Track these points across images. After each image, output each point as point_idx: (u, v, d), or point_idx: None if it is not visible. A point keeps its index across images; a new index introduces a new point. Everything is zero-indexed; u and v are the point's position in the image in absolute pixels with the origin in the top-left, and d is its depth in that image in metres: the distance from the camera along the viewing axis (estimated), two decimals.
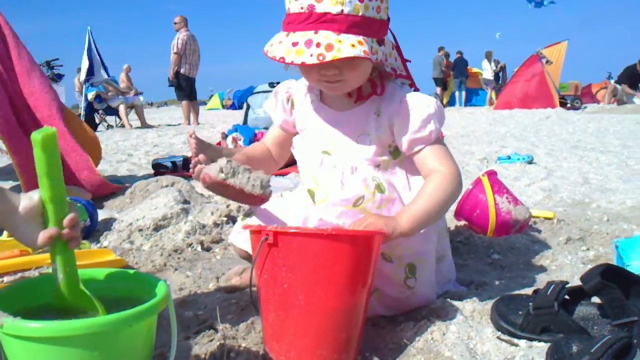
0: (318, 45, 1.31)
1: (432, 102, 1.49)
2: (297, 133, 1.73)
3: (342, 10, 1.32)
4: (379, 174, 1.54)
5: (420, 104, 1.48)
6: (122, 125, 12.03)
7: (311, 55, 1.31)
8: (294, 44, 1.34)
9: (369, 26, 1.36)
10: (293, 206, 1.62)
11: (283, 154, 1.81)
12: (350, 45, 1.30)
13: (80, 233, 1.13)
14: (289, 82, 1.72)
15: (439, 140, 1.52)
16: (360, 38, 1.33)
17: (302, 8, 1.36)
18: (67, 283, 1.10)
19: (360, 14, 1.33)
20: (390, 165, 1.56)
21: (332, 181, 1.51)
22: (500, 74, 20.15)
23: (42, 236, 1.07)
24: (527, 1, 18.15)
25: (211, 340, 1.42)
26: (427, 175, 1.50)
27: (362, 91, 1.53)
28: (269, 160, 1.80)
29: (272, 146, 1.80)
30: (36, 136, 1.03)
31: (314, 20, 1.33)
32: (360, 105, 1.55)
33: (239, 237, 1.76)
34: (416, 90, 1.60)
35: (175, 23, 11.06)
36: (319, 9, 1.33)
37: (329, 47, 1.30)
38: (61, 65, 12.00)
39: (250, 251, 1.53)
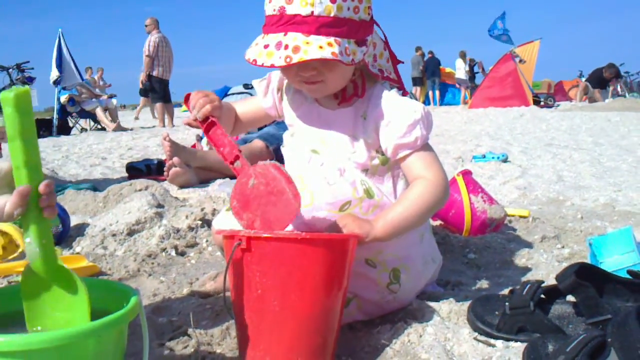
0: (286, 47, 1.30)
1: (419, 107, 1.46)
2: (272, 115, 1.71)
3: (312, 12, 1.30)
4: (367, 179, 1.50)
5: (406, 109, 1.45)
6: (99, 129, 11.91)
7: (280, 58, 1.30)
8: (266, 47, 1.34)
9: (343, 27, 1.34)
10: None
11: (248, 124, 1.77)
12: (318, 47, 1.29)
13: (55, 202, 1.05)
14: (281, 76, 1.67)
15: (426, 146, 1.48)
16: (332, 39, 1.31)
17: (274, 10, 1.35)
18: (43, 257, 1.04)
19: (332, 14, 1.31)
20: (379, 171, 1.52)
21: (318, 181, 1.45)
22: (478, 72, 20.30)
23: (14, 197, 0.98)
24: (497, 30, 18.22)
25: (186, 347, 1.40)
26: (412, 182, 1.47)
27: (346, 92, 1.51)
28: (236, 123, 1.74)
29: (242, 113, 1.75)
30: (7, 95, 0.97)
31: (284, 22, 1.32)
32: (348, 107, 1.53)
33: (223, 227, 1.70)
34: (405, 94, 1.58)
35: (146, 25, 10.96)
36: (290, 10, 1.32)
37: (296, 49, 1.29)
38: (32, 68, 11.83)
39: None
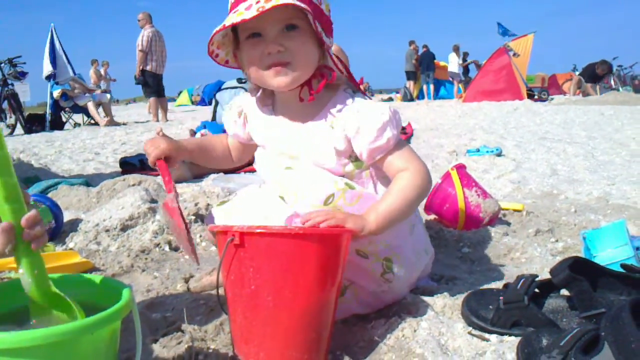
0: (258, 2, 1.30)
1: (385, 109, 1.48)
2: (251, 143, 1.73)
3: None
4: (346, 179, 1.51)
5: (374, 113, 1.46)
6: (92, 123, 11.86)
7: (251, 12, 1.29)
8: (234, 11, 1.35)
9: (311, 4, 1.36)
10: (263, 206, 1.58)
11: (241, 157, 1.82)
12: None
13: (44, 231, 1.06)
14: (242, 98, 1.71)
15: (400, 143, 1.50)
16: (303, 4, 1.32)
17: None
18: (37, 287, 1.05)
19: None
20: (356, 176, 1.54)
21: (299, 182, 1.46)
22: (470, 63, 20.32)
23: (0, 236, 0.98)
24: (498, 25, 18.43)
25: (179, 343, 1.39)
26: (394, 176, 1.48)
27: (312, 86, 1.49)
28: (226, 158, 1.83)
29: (232, 148, 1.82)
30: None
31: None
32: (314, 121, 1.53)
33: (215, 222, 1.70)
34: (366, 97, 1.58)
35: (139, 20, 10.92)
36: None
37: (283, 3, 1.29)
38: (24, 63, 11.73)
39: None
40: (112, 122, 11.48)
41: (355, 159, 1.52)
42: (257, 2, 1.31)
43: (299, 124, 1.56)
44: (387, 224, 1.40)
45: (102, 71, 16.24)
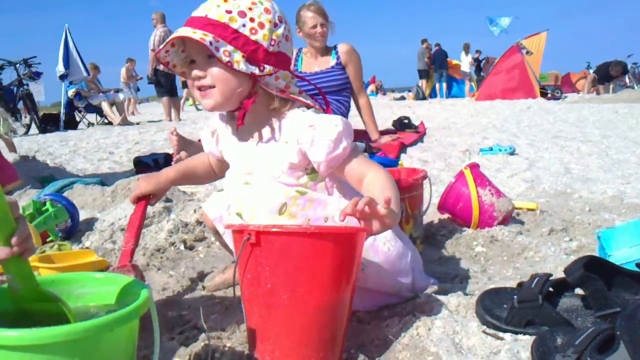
0: (176, 36, 1.46)
1: (337, 120, 1.51)
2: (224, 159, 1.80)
3: (206, 15, 1.45)
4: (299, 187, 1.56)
5: (327, 125, 1.50)
6: (106, 123, 11.95)
7: (172, 37, 1.47)
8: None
9: (230, 35, 1.44)
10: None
11: (224, 170, 1.84)
12: (192, 32, 1.43)
13: (31, 244, 1.05)
14: (215, 118, 1.77)
15: (355, 150, 1.54)
16: (210, 35, 1.42)
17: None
18: (26, 289, 1.06)
19: (222, 20, 1.44)
20: (310, 187, 1.57)
21: (253, 198, 1.53)
22: (482, 60, 20.25)
23: None
24: (488, 20, 18.64)
25: (195, 341, 1.41)
26: (360, 179, 1.51)
27: (244, 111, 1.55)
28: (209, 174, 1.91)
29: (213, 164, 1.89)
30: None
31: (186, 21, 1.49)
32: (268, 139, 1.59)
33: (211, 209, 1.72)
34: (324, 110, 1.63)
35: (152, 20, 10.98)
36: (194, 14, 1.49)
37: (178, 32, 1.45)
38: (39, 63, 11.84)
39: (221, 229, 1.66)
40: (125, 121, 11.54)
41: (311, 170, 1.57)
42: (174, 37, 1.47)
43: (253, 143, 1.62)
44: (396, 213, 1.38)
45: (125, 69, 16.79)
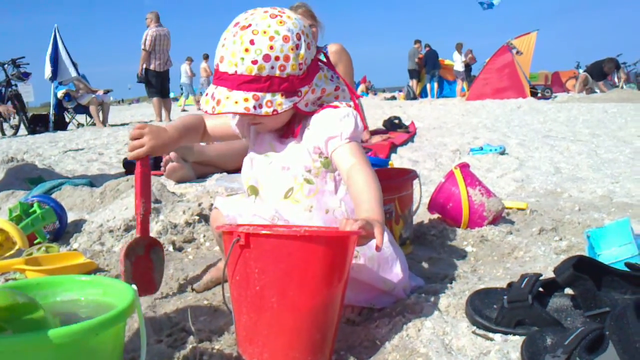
0: (214, 98, 1.52)
1: (347, 109, 1.62)
2: (233, 135, 1.87)
3: (236, 71, 1.49)
4: (309, 175, 1.61)
5: (336, 110, 1.61)
6: (94, 124, 11.90)
7: (210, 107, 1.53)
8: (206, 94, 1.56)
9: (265, 83, 1.49)
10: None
11: (215, 136, 1.92)
12: (234, 103, 1.49)
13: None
14: None
15: (354, 142, 1.59)
16: (250, 95, 1.48)
17: (215, 65, 1.56)
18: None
19: (253, 73, 1.48)
20: (321, 174, 1.62)
21: (267, 178, 1.64)
22: (474, 65, 20.32)
23: None
24: (479, 4, 18.86)
25: (184, 344, 1.40)
26: (345, 171, 1.55)
27: (291, 127, 1.66)
28: (202, 134, 1.90)
29: (211, 127, 1.89)
30: None
31: (217, 77, 1.54)
32: (295, 137, 1.66)
33: (226, 207, 1.71)
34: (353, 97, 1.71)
35: (146, 19, 10.95)
36: (221, 68, 1.52)
37: (219, 102, 1.50)
38: (28, 64, 11.78)
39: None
40: (104, 123, 11.58)
41: (325, 158, 1.62)
42: (214, 99, 1.52)
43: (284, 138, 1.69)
44: (383, 215, 1.43)
45: (187, 66, 19.37)
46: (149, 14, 10.95)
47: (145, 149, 1.71)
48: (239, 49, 1.47)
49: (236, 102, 1.48)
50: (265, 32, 1.48)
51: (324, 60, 1.68)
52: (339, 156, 1.57)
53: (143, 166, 1.72)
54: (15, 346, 0.86)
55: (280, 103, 1.51)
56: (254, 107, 1.48)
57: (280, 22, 1.50)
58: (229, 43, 1.50)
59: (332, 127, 1.57)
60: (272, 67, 1.48)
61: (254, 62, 1.47)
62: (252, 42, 1.47)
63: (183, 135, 1.81)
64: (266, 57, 1.47)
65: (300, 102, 1.56)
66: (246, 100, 1.48)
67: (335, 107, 1.62)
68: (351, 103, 1.66)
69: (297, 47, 1.51)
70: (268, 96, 1.49)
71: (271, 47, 1.47)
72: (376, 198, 1.45)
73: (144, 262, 1.75)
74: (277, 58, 1.48)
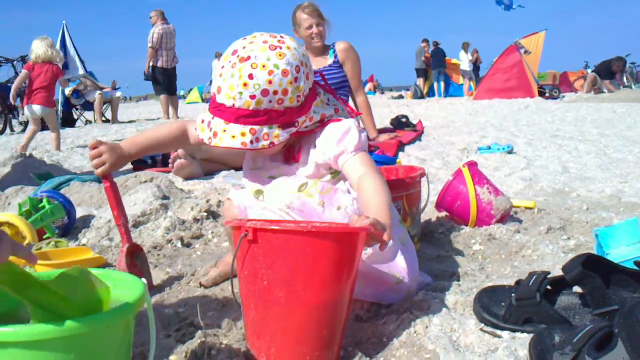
0: (211, 129, 1.53)
1: (350, 122, 1.62)
2: None
3: (234, 104, 1.48)
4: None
5: (339, 125, 1.61)
6: (104, 121, 11.93)
7: (207, 137, 1.53)
8: (202, 121, 1.57)
9: (262, 117, 1.50)
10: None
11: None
12: (231, 137, 1.50)
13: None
14: None
15: (361, 152, 1.60)
16: (247, 129, 1.49)
17: (212, 92, 1.56)
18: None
19: (251, 107, 1.48)
20: (332, 182, 1.64)
21: (275, 183, 1.63)
22: (481, 65, 20.26)
23: None
24: (497, 3, 18.75)
25: (192, 338, 1.40)
26: (355, 181, 1.56)
27: (291, 152, 1.68)
28: (180, 142, 1.89)
29: (192, 134, 1.86)
30: None
31: (214, 107, 1.54)
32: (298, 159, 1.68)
33: (238, 197, 1.75)
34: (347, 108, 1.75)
35: (150, 17, 10.95)
36: (218, 99, 1.51)
37: (215, 135, 1.51)
38: None
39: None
40: (114, 120, 11.59)
41: (334, 170, 1.64)
42: (210, 130, 1.53)
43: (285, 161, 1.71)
44: (391, 217, 1.44)
45: (217, 62, 17.64)
46: (153, 12, 10.93)
47: (108, 166, 1.75)
48: (237, 82, 1.46)
49: (233, 137, 1.49)
50: (264, 66, 1.46)
51: (322, 83, 1.70)
52: (348, 168, 1.58)
53: (109, 180, 1.81)
54: (26, 337, 0.87)
55: (277, 135, 1.52)
56: (251, 142, 1.49)
57: (280, 55, 1.48)
58: (227, 74, 1.48)
59: (337, 144, 1.58)
60: (270, 101, 1.48)
61: (252, 97, 1.46)
62: (250, 77, 1.46)
63: (143, 149, 1.85)
64: (264, 92, 1.47)
65: (299, 128, 1.57)
66: (243, 134, 1.49)
67: (338, 120, 1.63)
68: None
69: (296, 79, 1.51)
70: (265, 129, 1.50)
71: (270, 82, 1.46)
72: (385, 202, 1.45)
73: (132, 269, 1.81)
74: (275, 92, 1.48)
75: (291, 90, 1.50)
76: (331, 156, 1.59)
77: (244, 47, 1.50)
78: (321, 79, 1.73)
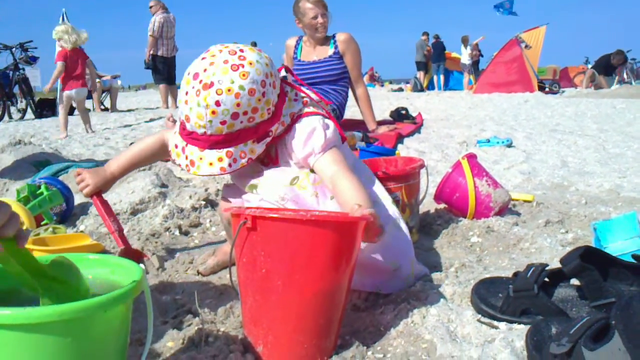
0: (187, 157, 1.53)
1: (315, 120, 1.60)
2: None
3: (205, 132, 1.48)
4: None
5: (301, 125, 1.59)
6: (104, 109, 11.90)
7: (184, 164, 1.54)
8: (176, 146, 1.57)
9: (236, 138, 1.50)
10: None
11: None
12: (208, 164, 1.50)
13: (14, 230, 1.00)
14: None
15: (332, 150, 1.60)
16: (223, 153, 1.50)
17: (182, 117, 1.53)
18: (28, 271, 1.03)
19: (224, 133, 1.48)
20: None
21: (266, 176, 1.62)
22: (481, 59, 20.23)
23: None
24: (496, 9, 18.79)
25: (189, 325, 1.40)
26: (328, 181, 1.55)
27: (270, 155, 1.68)
28: (162, 153, 1.89)
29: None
30: None
31: (186, 134, 1.53)
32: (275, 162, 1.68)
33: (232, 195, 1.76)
34: (323, 103, 1.72)
35: (150, 7, 10.90)
36: (188, 127, 1.50)
37: (192, 163, 1.52)
38: (35, 48, 11.75)
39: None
40: (113, 109, 11.56)
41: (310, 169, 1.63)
42: (187, 158, 1.53)
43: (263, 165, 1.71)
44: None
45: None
46: (153, 1, 10.87)
47: (92, 187, 1.88)
48: (205, 111, 1.44)
49: (211, 164, 1.50)
50: (229, 90, 1.43)
51: (287, 79, 1.67)
52: (319, 168, 1.58)
53: (97, 197, 1.93)
54: (24, 320, 0.87)
55: (252, 150, 1.53)
56: (229, 165, 1.50)
57: (243, 75, 1.45)
58: (192, 102, 1.45)
59: (304, 146, 1.58)
60: (242, 122, 1.48)
61: (223, 123, 1.46)
62: (217, 104, 1.43)
63: (126, 168, 1.91)
64: (234, 115, 1.45)
65: (275, 132, 1.57)
66: (220, 159, 1.50)
67: (307, 114, 1.61)
68: (322, 110, 1.66)
69: (264, 94, 1.49)
70: (241, 147, 1.51)
71: (238, 105, 1.45)
72: (363, 198, 1.44)
73: None
74: (245, 113, 1.47)
75: (261, 106, 1.49)
76: (300, 158, 1.59)
77: (205, 70, 1.45)
78: (287, 73, 1.70)
